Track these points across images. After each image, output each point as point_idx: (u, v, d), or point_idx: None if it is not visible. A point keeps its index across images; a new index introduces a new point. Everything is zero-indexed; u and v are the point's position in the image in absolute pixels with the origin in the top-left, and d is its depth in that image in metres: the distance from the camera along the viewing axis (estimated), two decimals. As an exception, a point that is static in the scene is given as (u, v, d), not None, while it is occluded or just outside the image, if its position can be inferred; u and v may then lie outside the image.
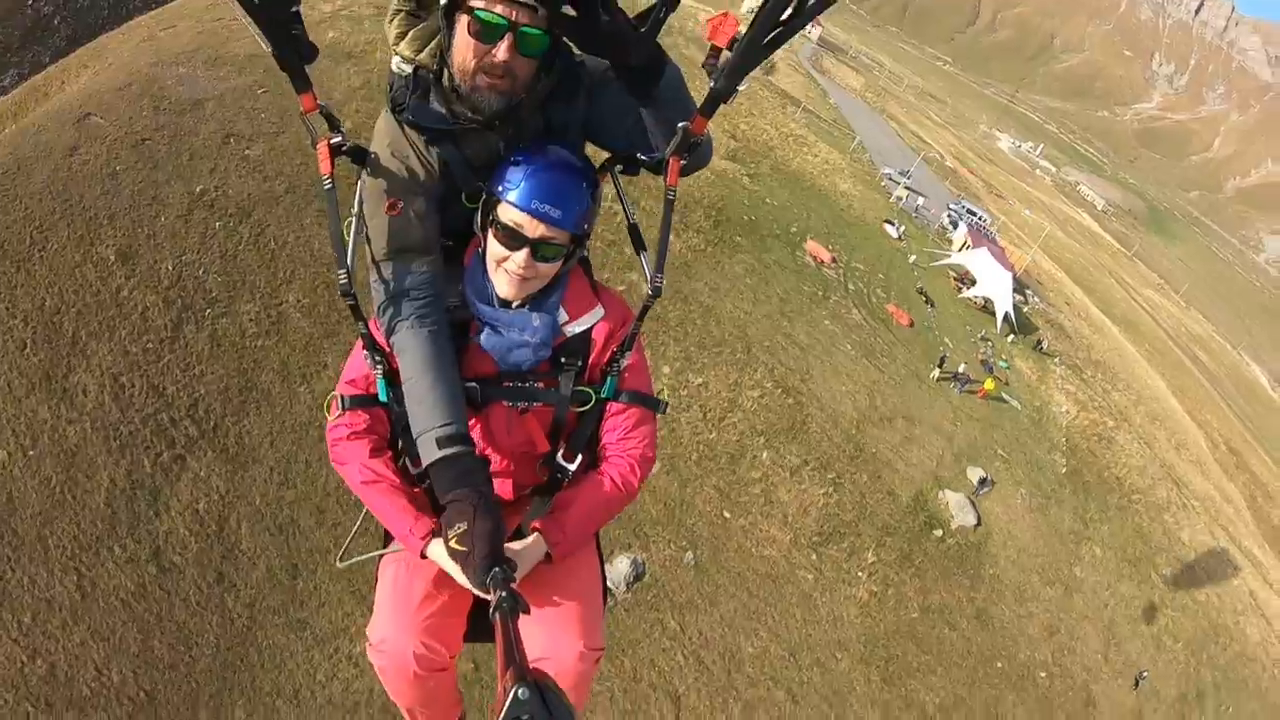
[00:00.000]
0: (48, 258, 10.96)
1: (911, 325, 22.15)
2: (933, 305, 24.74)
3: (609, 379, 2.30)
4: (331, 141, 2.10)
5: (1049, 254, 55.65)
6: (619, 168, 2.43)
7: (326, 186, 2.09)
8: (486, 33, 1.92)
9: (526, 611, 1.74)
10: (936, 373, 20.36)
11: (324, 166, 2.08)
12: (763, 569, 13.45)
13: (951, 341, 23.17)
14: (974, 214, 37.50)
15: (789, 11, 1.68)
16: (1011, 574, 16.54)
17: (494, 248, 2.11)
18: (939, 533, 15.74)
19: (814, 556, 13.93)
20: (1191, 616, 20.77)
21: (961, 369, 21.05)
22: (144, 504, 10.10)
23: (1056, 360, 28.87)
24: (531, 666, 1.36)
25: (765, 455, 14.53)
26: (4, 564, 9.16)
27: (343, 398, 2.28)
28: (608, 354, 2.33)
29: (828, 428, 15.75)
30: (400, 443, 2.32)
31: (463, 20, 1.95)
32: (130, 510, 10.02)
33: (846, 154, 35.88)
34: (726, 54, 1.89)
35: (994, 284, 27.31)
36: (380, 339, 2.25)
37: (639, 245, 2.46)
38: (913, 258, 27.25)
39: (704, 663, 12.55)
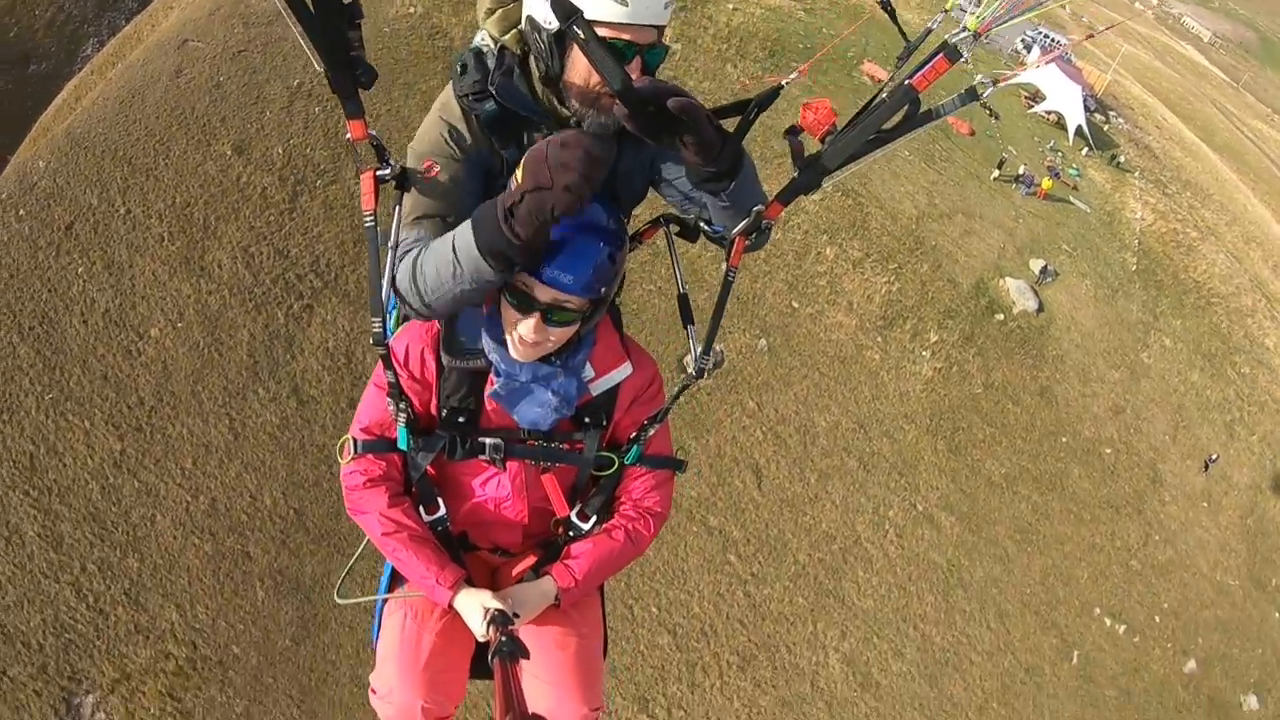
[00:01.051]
0: (172, 163, 12.04)
1: (972, 134, 21.98)
2: (997, 118, 24.32)
3: (634, 447, 2.25)
4: (378, 173, 1.97)
5: (1141, 81, 52.50)
6: (675, 229, 2.34)
7: (368, 224, 1.96)
8: (618, 56, 1.81)
9: (526, 656, 1.76)
10: (996, 173, 20.44)
11: (366, 201, 1.95)
12: (831, 351, 14.58)
13: (1016, 150, 22.95)
14: (1050, 37, 35.92)
15: (895, 120, 1.63)
16: (1075, 356, 17.18)
17: (506, 310, 1.99)
18: (1000, 316, 16.45)
19: (879, 338, 14.98)
20: (1270, 415, 20.91)
21: (1022, 170, 21.08)
22: (281, 350, 11.33)
23: (1136, 175, 28.01)
24: (530, 713, 1.39)
25: (829, 250, 15.44)
26: (166, 421, 10.41)
27: (356, 441, 2.22)
28: (633, 418, 2.26)
29: (888, 224, 16.46)
30: (415, 490, 2.26)
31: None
32: (269, 357, 11.23)
33: (912, -13, 34.65)
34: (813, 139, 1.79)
35: (1064, 98, 26.56)
36: (405, 377, 2.15)
37: (687, 318, 2.34)
38: (979, 76, 26.72)
39: (781, 437, 13.86)
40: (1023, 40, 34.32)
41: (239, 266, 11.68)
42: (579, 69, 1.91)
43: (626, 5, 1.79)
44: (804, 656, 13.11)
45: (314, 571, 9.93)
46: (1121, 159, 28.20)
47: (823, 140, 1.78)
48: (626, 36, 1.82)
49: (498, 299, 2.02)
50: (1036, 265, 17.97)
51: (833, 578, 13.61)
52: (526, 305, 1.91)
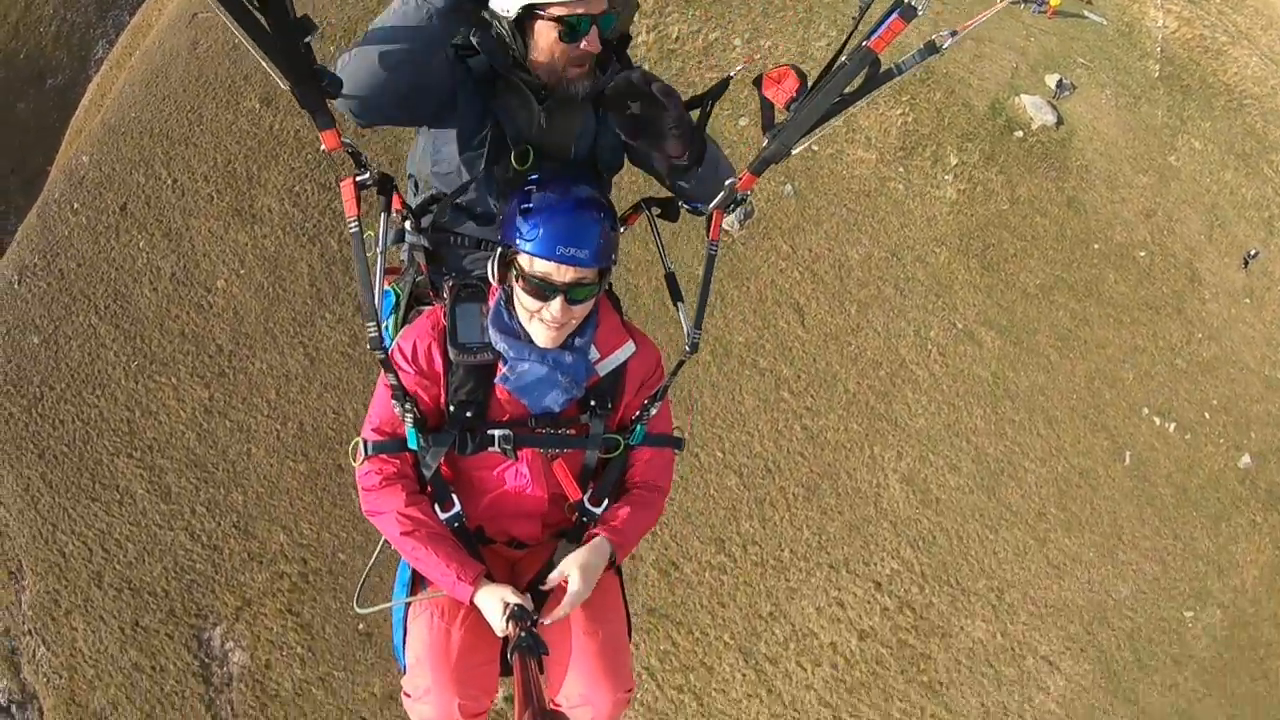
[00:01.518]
0: (206, 127, 12.52)
1: (976, -38, 21.53)
2: (1002, -56, 23.74)
3: (638, 427, 2.29)
4: (357, 179, 2.04)
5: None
6: (657, 211, 2.44)
7: (353, 229, 1.98)
8: (572, 33, 1.97)
9: (546, 653, 1.79)
10: (1001, -8, 20.06)
11: (349, 208, 1.99)
12: (855, 187, 14.96)
13: (1023, -30, 22.48)
14: None
15: (857, 83, 1.64)
16: (1100, 164, 17.21)
17: (525, 300, 2.04)
18: (1019, 133, 16.54)
19: (900, 169, 15.30)
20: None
21: (1030, -15, 20.62)
22: (339, 274, 11.97)
23: (1157, -17, 27.16)
24: (549, 708, 1.40)
25: (841, 92, 15.66)
26: (245, 360, 11.17)
27: (367, 443, 2.24)
28: (639, 399, 2.31)
29: (894, 59, 16.52)
30: (429, 488, 2.26)
31: (543, 26, 1.98)
32: (330, 282, 11.89)
33: None
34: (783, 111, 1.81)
35: (1072, -84, 25.69)
36: (413, 374, 2.20)
37: (676, 295, 2.39)
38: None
39: (817, 274, 14.36)
40: None
41: (287, 206, 12.36)
42: (542, 49, 2.03)
43: None
44: (864, 480, 13.84)
45: (403, 470, 11.02)
46: (1139, -29, 27.16)
47: (788, 108, 1.85)
48: (580, 10, 1.95)
49: (503, 293, 2.14)
50: (1052, 80, 17.84)
51: (883, 402, 14.21)
52: (549, 290, 2.00)
